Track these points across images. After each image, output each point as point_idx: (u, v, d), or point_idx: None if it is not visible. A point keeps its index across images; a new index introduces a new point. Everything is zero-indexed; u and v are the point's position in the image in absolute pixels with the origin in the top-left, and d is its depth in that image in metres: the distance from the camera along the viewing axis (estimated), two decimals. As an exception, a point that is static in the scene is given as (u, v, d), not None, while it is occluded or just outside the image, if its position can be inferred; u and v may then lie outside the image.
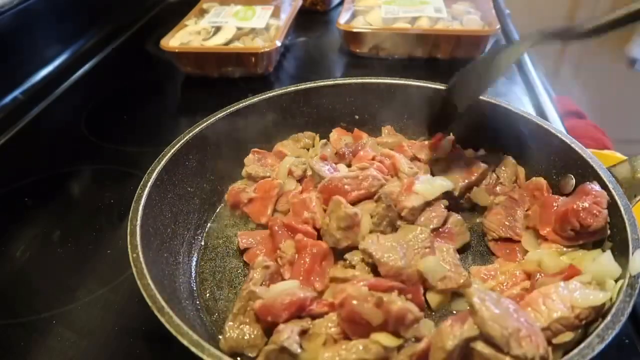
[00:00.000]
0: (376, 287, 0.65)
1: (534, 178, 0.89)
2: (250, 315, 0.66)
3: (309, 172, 0.91)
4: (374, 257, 0.71)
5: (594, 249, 0.76)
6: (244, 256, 0.83)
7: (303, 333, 0.65)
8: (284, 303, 0.65)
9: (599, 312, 0.63)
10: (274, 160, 0.98)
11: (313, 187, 0.88)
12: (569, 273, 0.69)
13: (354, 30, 1.44)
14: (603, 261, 0.69)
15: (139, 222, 0.71)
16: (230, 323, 0.66)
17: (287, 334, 0.62)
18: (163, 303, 0.60)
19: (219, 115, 0.93)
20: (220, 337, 0.66)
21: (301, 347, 0.63)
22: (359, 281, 0.67)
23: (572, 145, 0.83)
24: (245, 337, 0.65)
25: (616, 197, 0.73)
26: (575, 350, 0.55)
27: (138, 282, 0.63)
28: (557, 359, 0.61)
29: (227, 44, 1.39)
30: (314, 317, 0.67)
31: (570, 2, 2.77)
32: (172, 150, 0.84)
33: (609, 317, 0.59)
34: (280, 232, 0.81)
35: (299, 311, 0.67)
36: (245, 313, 0.66)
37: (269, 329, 0.66)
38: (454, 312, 0.74)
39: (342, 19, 1.48)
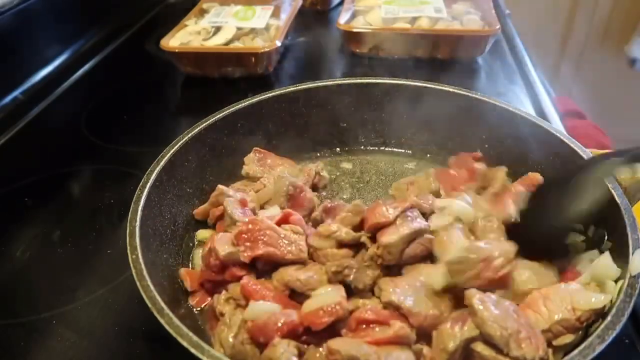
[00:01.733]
0: (383, 342, 0.62)
1: (530, 173, 0.88)
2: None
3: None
4: (404, 308, 0.63)
5: (589, 249, 0.76)
6: (190, 300, 0.75)
7: (300, 355, 0.62)
8: (277, 325, 0.62)
9: (600, 314, 0.63)
10: (274, 160, 0.98)
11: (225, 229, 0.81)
12: (568, 276, 0.69)
13: (354, 30, 1.44)
14: (602, 263, 0.68)
15: (138, 223, 0.71)
16: (232, 340, 0.64)
17: (283, 349, 0.60)
18: (163, 304, 0.60)
19: (218, 116, 0.93)
20: (221, 349, 0.65)
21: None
22: (365, 311, 0.65)
23: (572, 145, 0.83)
24: (249, 355, 0.64)
25: (616, 197, 0.73)
26: (576, 351, 0.55)
27: (137, 284, 0.63)
28: None
29: (227, 44, 1.39)
30: (306, 343, 0.65)
31: (570, 2, 2.77)
32: (172, 151, 0.84)
33: (609, 318, 0.59)
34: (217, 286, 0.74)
35: (290, 336, 0.63)
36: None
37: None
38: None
39: (342, 19, 1.48)
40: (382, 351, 0.60)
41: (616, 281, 0.65)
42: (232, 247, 0.72)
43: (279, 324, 0.63)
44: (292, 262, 0.72)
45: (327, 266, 0.70)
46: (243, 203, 0.82)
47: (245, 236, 0.72)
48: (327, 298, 0.66)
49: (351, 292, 0.70)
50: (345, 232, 0.73)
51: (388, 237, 0.70)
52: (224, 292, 0.71)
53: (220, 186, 0.87)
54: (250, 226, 0.72)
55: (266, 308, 0.65)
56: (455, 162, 0.97)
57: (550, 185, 0.77)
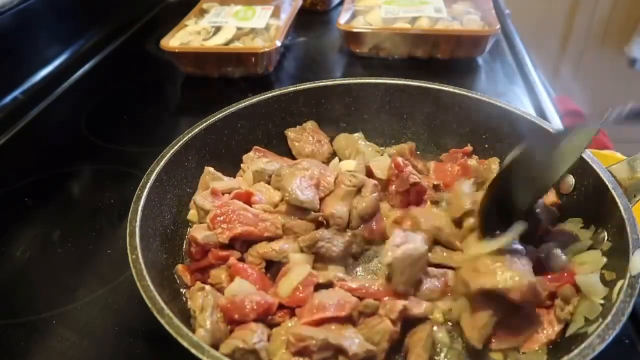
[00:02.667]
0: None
1: None
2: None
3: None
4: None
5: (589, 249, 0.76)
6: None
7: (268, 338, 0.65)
8: (253, 303, 0.66)
9: None
10: (274, 159, 0.97)
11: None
12: (566, 278, 0.69)
13: (354, 30, 1.44)
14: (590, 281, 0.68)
15: (138, 223, 0.71)
16: (209, 321, 0.65)
17: (259, 337, 0.62)
18: (163, 304, 0.60)
19: (218, 116, 0.93)
20: (204, 331, 0.65)
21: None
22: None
23: (572, 145, 0.83)
24: (224, 334, 0.65)
25: (616, 197, 0.73)
26: (576, 351, 0.56)
27: (137, 284, 0.63)
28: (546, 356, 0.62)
29: (227, 44, 1.39)
30: (271, 325, 0.67)
31: (570, 2, 2.77)
32: (172, 151, 0.84)
33: (609, 317, 0.59)
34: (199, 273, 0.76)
35: (265, 315, 0.67)
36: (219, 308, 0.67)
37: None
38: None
39: (342, 19, 1.48)
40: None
41: (616, 281, 0.65)
42: (209, 231, 0.75)
43: (255, 303, 0.66)
44: (269, 239, 0.76)
45: (299, 241, 0.75)
46: (214, 192, 0.83)
47: (221, 218, 0.75)
48: (298, 275, 0.71)
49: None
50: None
51: (333, 207, 0.79)
52: (197, 283, 0.72)
53: (207, 167, 0.89)
54: (223, 208, 0.76)
55: (247, 287, 0.69)
56: (447, 158, 0.97)
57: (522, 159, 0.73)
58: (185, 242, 0.84)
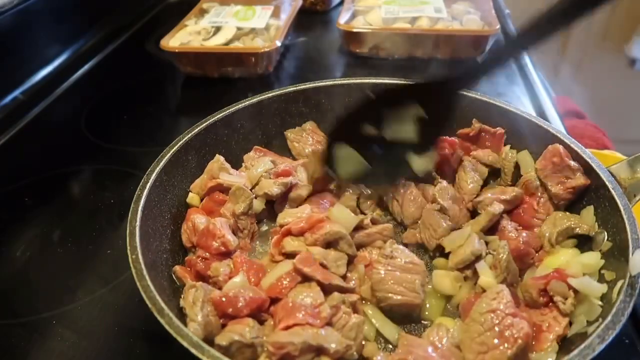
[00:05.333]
0: None
1: (550, 146, 0.85)
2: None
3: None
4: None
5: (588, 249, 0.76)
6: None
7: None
8: (247, 299, 0.66)
9: None
10: (274, 159, 0.97)
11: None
12: (553, 275, 0.69)
13: (354, 30, 1.44)
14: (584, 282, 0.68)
15: (138, 223, 0.71)
16: (200, 314, 0.65)
17: (256, 333, 0.63)
18: (163, 304, 0.60)
19: (218, 116, 0.93)
20: (196, 324, 0.64)
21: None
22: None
23: (572, 145, 0.83)
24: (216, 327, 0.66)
25: (616, 197, 0.73)
26: (576, 351, 0.56)
27: (137, 284, 0.63)
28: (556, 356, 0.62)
29: (227, 44, 1.39)
30: (261, 322, 0.67)
31: (571, 2, 2.77)
32: (172, 151, 0.84)
33: (609, 318, 0.59)
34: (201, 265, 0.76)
35: (258, 311, 0.67)
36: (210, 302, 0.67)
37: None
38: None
39: (342, 19, 1.48)
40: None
41: (616, 281, 0.66)
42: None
43: (248, 298, 0.66)
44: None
45: None
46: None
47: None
48: (280, 270, 0.72)
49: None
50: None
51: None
52: (189, 281, 0.72)
53: (218, 155, 0.89)
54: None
55: (244, 283, 0.70)
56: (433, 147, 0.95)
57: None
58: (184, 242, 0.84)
